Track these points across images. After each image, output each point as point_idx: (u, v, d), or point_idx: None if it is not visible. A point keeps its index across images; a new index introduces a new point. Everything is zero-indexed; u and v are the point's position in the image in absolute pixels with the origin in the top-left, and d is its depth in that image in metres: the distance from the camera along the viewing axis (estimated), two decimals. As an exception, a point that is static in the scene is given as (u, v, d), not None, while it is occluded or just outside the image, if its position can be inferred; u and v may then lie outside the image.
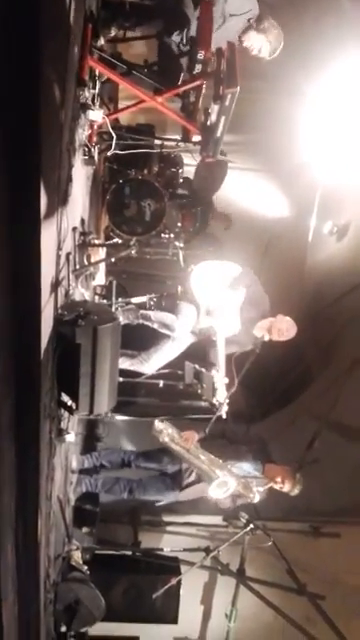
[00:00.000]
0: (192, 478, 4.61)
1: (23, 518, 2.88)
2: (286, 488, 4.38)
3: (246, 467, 4.47)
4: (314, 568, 5.49)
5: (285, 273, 7.44)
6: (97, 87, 3.86)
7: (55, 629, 3.93)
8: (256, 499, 4.15)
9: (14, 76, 2.05)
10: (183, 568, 4.92)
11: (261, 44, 3.92)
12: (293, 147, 6.82)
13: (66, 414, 3.61)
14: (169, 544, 5.34)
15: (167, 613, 5.13)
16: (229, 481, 4.03)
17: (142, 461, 4.91)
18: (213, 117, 3.67)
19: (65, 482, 4.24)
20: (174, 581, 4.61)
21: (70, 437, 3.75)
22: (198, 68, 3.74)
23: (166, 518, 5.91)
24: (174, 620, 5.20)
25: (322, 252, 7.53)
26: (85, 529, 4.86)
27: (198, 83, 3.87)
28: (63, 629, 3.99)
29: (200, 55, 3.67)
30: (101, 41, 3.81)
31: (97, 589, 3.97)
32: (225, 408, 4.04)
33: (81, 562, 4.11)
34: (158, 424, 4.42)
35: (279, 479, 4.36)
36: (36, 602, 3.24)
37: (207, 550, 4.59)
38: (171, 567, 4.96)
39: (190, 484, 4.65)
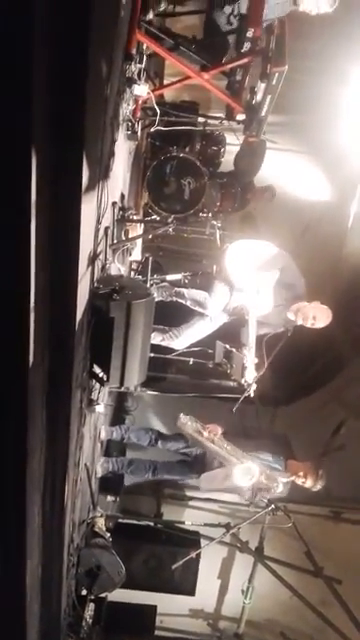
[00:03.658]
0: (216, 463, 4.67)
1: (51, 483, 2.97)
2: (308, 484, 4.39)
3: (269, 461, 4.49)
4: (332, 552, 5.52)
5: (322, 257, 7.34)
6: (144, 62, 3.84)
7: (76, 592, 4.05)
8: (279, 489, 4.17)
9: (61, 49, 2.06)
10: (203, 542, 5.00)
11: (317, 1, 3.65)
12: (337, 130, 6.68)
13: (97, 385, 3.68)
14: (190, 518, 5.43)
15: (185, 585, 5.25)
16: (253, 468, 4.06)
17: (169, 441, 4.98)
18: (259, 96, 3.64)
19: (93, 451, 4.34)
20: (193, 554, 4.68)
21: (100, 408, 3.83)
22: (246, 46, 3.69)
23: (189, 493, 6.01)
24: (191, 592, 5.31)
25: (361, 239, 7.41)
26: (110, 498, 4.98)
27: (246, 61, 3.83)
28: (83, 592, 4.11)
29: (249, 33, 3.61)
30: (150, 15, 3.77)
31: (118, 556, 4.07)
32: (254, 387, 4.04)
33: (104, 529, 4.22)
34: (183, 417, 4.50)
35: (301, 474, 4.38)
36: (59, 564, 3.34)
37: (227, 527, 4.64)
38: (191, 540, 5.04)
39: (213, 469, 4.71)
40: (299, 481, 4.37)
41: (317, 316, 4.10)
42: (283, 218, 6.65)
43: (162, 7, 3.95)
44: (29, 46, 1.81)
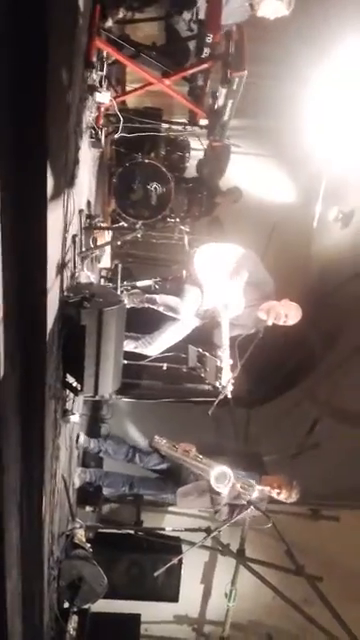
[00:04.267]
0: (192, 478, 4.71)
1: (28, 496, 2.93)
2: (283, 496, 4.46)
3: (243, 476, 4.52)
4: (313, 550, 5.55)
5: (290, 258, 7.43)
6: (105, 69, 3.84)
7: (58, 605, 4.00)
8: (254, 494, 4.22)
9: (21, 57, 2.05)
10: (184, 548, 4.99)
11: (274, 6, 3.67)
12: (299, 133, 6.78)
13: (71, 395, 3.65)
14: (171, 524, 5.43)
15: (168, 591, 5.23)
16: (227, 471, 4.07)
17: (145, 457, 4.98)
18: (220, 101, 3.67)
19: (70, 461, 4.30)
20: (175, 560, 4.67)
21: (75, 418, 3.80)
22: (206, 51, 3.72)
23: (168, 499, 5.98)
24: (175, 598, 5.30)
25: (327, 238, 7.52)
26: (89, 508, 4.94)
27: (206, 66, 3.86)
28: (66, 605, 4.06)
29: (208, 39, 3.64)
30: (109, 22, 3.78)
31: (100, 567, 4.03)
32: (229, 388, 4.06)
33: (84, 540, 4.17)
34: (157, 438, 4.62)
35: (275, 485, 4.44)
36: (40, 578, 3.30)
37: (208, 530, 4.65)
38: (172, 546, 5.03)
39: (189, 482, 4.75)
40: (274, 493, 4.43)
41: (288, 313, 4.15)
42: (250, 220, 6.72)
43: (121, 14, 3.95)
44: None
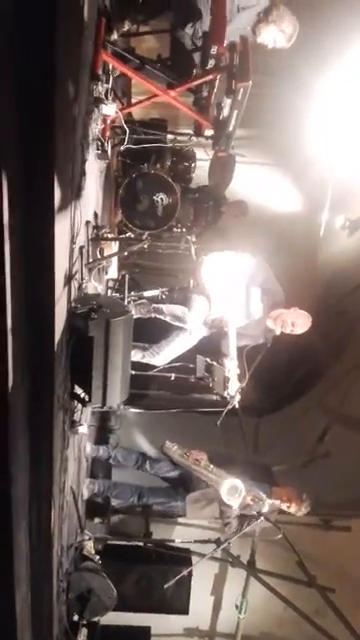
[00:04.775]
0: (202, 486, 4.68)
1: (37, 508, 2.93)
2: (293, 509, 4.44)
3: (252, 487, 4.50)
4: (324, 561, 5.51)
5: (297, 267, 7.42)
6: (110, 81, 3.87)
7: (67, 618, 3.98)
8: (265, 508, 4.19)
9: (28, 71, 2.07)
10: (194, 559, 4.96)
11: (275, 36, 3.78)
12: (304, 141, 6.80)
13: (79, 406, 3.65)
14: (180, 535, 5.38)
15: (178, 603, 5.20)
16: (239, 484, 4.04)
17: (155, 464, 4.97)
18: (225, 111, 3.68)
19: (78, 473, 4.29)
20: (185, 572, 4.65)
21: (83, 429, 3.80)
22: (211, 63, 3.74)
23: (178, 510, 5.95)
24: (185, 610, 5.26)
25: (334, 246, 7.51)
26: (97, 520, 4.92)
27: (211, 77, 3.87)
28: (75, 618, 4.04)
29: (213, 50, 3.66)
30: (114, 35, 3.81)
31: (109, 579, 4.01)
32: (237, 398, 4.04)
33: (93, 552, 4.16)
34: (168, 444, 4.57)
35: (285, 498, 4.41)
36: (49, 591, 3.29)
37: (218, 542, 4.62)
38: (182, 558, 5.00)
39: (200, 489, 4.72)
40: (284, 506, 4.41)
41: (295, 322, 4.12)
42: (256, 230, 6.71)
43: (126, 27, 3.98)
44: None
